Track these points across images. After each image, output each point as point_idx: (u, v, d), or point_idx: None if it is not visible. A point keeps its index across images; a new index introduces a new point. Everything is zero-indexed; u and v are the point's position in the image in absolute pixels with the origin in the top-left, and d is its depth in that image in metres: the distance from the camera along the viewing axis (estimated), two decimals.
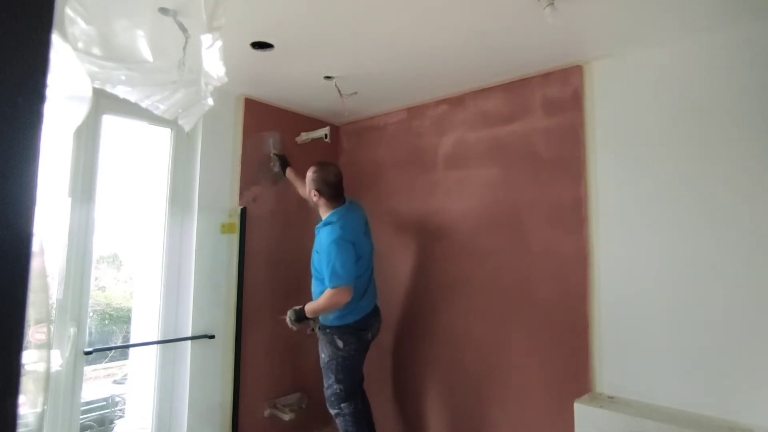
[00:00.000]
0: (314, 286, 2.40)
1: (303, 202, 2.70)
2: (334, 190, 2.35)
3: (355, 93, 2.62)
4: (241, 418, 2.59)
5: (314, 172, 2.37)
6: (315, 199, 2.36)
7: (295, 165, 3.03)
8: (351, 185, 3.24)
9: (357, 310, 2.29)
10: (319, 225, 2.39)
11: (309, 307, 2.28)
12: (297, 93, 2.73)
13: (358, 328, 2.30)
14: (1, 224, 0.38)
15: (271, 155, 2.82)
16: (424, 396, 2.68)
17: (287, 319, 2.35)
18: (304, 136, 2.99)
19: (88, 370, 2.24)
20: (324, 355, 2.32)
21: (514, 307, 2.35)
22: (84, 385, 2.13)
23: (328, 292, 2.20)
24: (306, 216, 3.07)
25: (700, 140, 1.89)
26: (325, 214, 2.37)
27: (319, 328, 2.36)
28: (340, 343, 2.26)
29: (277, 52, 2.14)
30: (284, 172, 2.79)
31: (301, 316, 2.30)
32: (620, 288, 2.04)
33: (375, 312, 2.44)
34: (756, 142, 1.76)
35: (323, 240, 2.28)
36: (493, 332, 2.42)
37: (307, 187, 2.41)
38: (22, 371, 0.39)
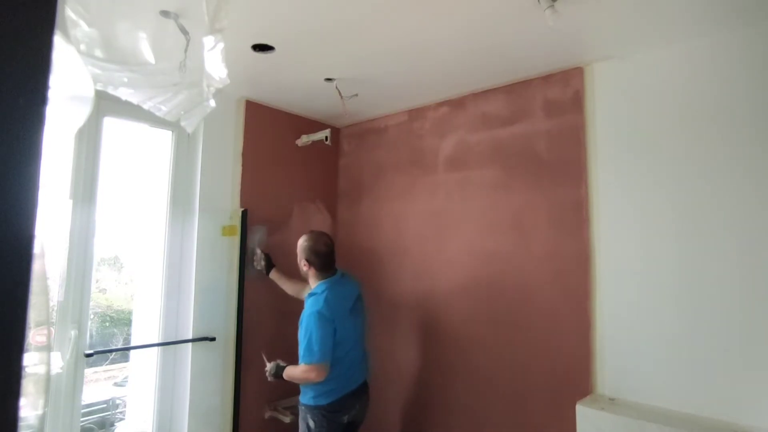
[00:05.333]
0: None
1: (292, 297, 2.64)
2: (324, 260, 2.31)
3: (356, 95, 2.62)
4: (242, 420, 2.58)
5: (305, 240, 2.34)
6: (305, 269, 2.33)
7: (296, 168, 3.04)
8: (351, 188, 3.25)
9: (332, 391, 2.18)
10: (306, 294, 2.33)
11: (287, 372, 2.24)
12: (298, 95, 2.74)
13: (331, 411, 2.18)
14: (2, 226, 0.38)
15: (257, 251, 2.71)
16: (423, 396, 2.68)
17: (267, 370, 2.33)
18: (305, 139, 3.00)
19: (89, 372, 2.24)
20: (300, 430, 2.27)
21: (515, 308, 2.35)
22: (84, 388, 2.13)
23: (301, 366, 2.16)
24: (307, 219, 3.08)
25: (702, 142, 1.88)
26: (314, 284, 2.33)
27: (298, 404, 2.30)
28: (311, 424, 2.19)
29: (278, 55, 2.14)
30: (268, 272, 2.68)
31: (279, 374, 2.27)
32: (622, 290, 2.04)
33: (358, 392, 2.28)
34: (758, 145, 1.76)
35: (305, 310, 2.23)
36: (494, 333, 2.41)
37: (298, 256, 2.37)
38: (23, 374, 0.39)
